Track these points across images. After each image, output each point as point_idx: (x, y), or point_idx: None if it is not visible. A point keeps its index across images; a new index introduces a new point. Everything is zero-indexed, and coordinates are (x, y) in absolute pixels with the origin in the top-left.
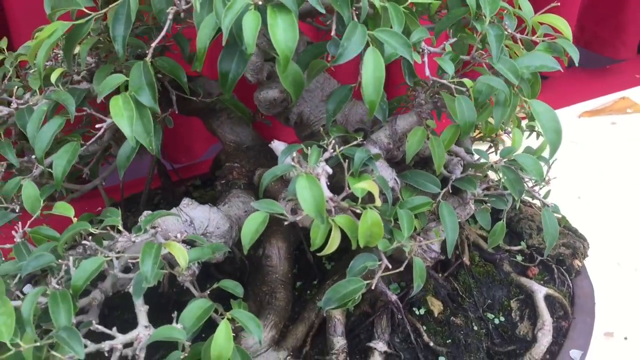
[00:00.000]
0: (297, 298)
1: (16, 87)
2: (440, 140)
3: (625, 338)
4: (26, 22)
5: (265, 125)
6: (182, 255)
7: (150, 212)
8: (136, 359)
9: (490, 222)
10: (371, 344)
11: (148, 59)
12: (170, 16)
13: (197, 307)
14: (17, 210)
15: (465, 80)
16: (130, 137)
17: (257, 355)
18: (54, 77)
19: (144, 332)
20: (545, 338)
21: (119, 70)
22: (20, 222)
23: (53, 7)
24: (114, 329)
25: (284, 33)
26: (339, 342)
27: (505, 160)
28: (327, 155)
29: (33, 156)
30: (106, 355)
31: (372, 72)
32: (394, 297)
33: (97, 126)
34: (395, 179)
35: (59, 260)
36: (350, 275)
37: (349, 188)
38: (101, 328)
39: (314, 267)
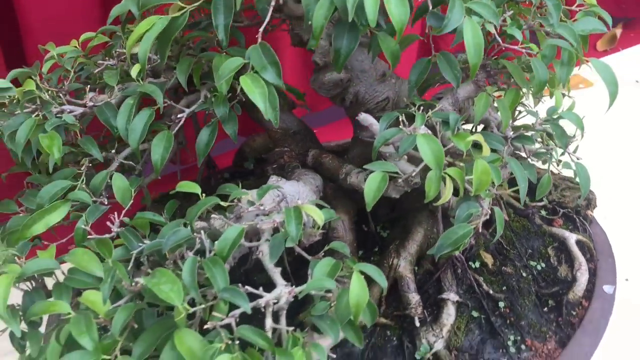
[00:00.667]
0: None
1: (88, 86)
2: (504, 102)
3: (627, 279)
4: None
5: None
6: (318, 216)
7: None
8: (280, 315)
9: (536, 175)
10: (443, 296)
11: (259, 39)
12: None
13: (325, 264)
14: (105, 203)
15: (532, 45)
16: (264, 111)
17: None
18: (134, 73)
19: (284, 290)
20: (583, 277)
21: (198, 61)
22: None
23: (143, 4)
24: (260, 288)
25: (397, 8)
26: (414, 297)
27: (552, 117)
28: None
29: (112, 151)
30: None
31: (472, 39)
32: (457, 252)
33: (179, 115)
34: None
35: (194, 234)
36: (458, 222)
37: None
38: (249, 289)
39: (375, 235)
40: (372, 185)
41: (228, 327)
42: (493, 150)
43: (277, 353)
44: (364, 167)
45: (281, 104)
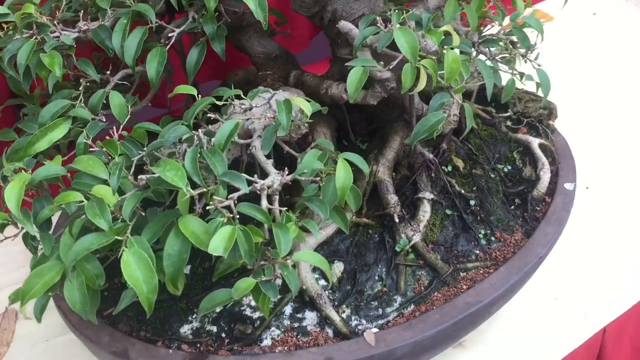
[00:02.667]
0: None
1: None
2: (472, 7)
3: (587, 187)
4: None
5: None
6: (306, 107)
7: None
8: (273, 201)
9: (500, 80)
10: (420, 195)
11: None
12: None
13: (312, 154)
14: (104, 121)
15: None
16: (255, 11)
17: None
18: None
19: (277, 176)
20: (545, 176)
21: None
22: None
23: None
24: (255, 176)
25: None
26: (393, 198)
27: (514, 22)
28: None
29: (107, 72)
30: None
31: None
32: (430, 156)
33: (169, 35)
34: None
35: (192, 132)
36: (431, 111)
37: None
38: (245, 176)
39: (354, 146)
40: (353, 78)
41: (228, 208)
42: (462, 53)
43: (274, 226)
44: (347, 64)
45: (262, 30)
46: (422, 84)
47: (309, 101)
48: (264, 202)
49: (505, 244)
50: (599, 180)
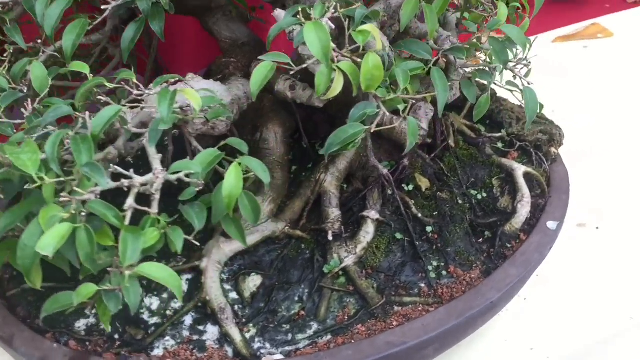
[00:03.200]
0: (292, 180)
1: None
2: (432, 7)
3: (597, 228)
4: None
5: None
6: (195, 100)
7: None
8: (152, 200)
9: (475, 95)
10: (364, 213)
11: None
12: None
13: (208, 154)
14: (24, 91)
15: None
16: None
17: (257, 224)
18: None
19: (158, 175)
20: (524, 209)
21: None
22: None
23: None
24: (131, 170)
25: None
26: (334, 212)
27: (491, 31)
28: (329, 15)
29: (39, 40)
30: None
31: None
32: (385, 171)
33: (102, 7)
34: (389, 47)
35: (76, 113)
36: (351, 121)
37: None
38: (119, 169)
39: (308, 151)
40: (258, 74)
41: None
42: (417, 60)
43: (124, 229)
44: (259, 57)
45: (233, 14)
46: (335, 89)
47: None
48: (129, 201)
49: (457, 280)
50: (610, 222)
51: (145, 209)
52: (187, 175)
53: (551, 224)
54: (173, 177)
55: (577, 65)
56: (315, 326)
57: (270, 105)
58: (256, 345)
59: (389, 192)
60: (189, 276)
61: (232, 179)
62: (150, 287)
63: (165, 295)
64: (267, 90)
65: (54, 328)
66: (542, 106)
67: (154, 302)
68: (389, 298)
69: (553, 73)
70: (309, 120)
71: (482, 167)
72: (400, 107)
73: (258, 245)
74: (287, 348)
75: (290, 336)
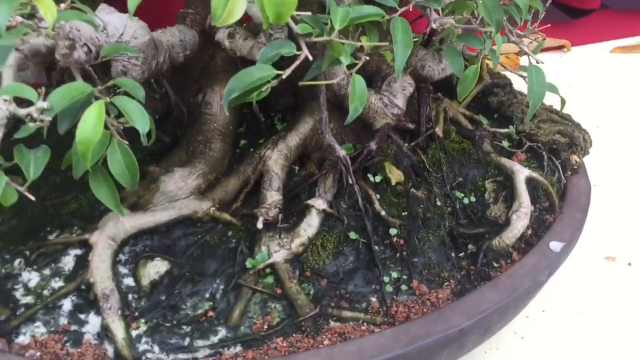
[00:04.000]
0: (238, 155)
1: None
2: None
3: (629, 264)
4: None
5: None
6: (49, 11)
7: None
8: None
9: (462, 67)
10: (309, 201)
11: None
12: None
13: (73, 87)
14: None
15: None
16: None
17: (175, 200)
18: None
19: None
20: (520, 222)
21: None
22: None
23: None
24: None
25: None
26: (273, 196)
27: None
28: None
29: None
30: None
31: None
32: (342, 152)
33: None
34: None
35: None
36: (261, 61)
37: None
38: None
39: (262, 125)
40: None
41: None
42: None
43: None
44: None
45: None
46: (232, 14)
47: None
48: None
49: (419, 299)
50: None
51: None
52: (42, 112)
53: (555, 245)
54: (22, 112)
55: (634, 78)
56: (223, 332)
57: (223, 64)
58: (142, 347)
59: (348, 181)
60: (78, 251)
61: (91, 120)
62: (30, 260)
63: (47, 272)
64: (222, 49)
65: None
66: (564, 102)
67: (33, 278)
68: (324, 309)
69: (606, 84)
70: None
71: (475, 166)
72: (344, 60)
73: (173, 225)
74: (180, 356)
75: (187, 341)
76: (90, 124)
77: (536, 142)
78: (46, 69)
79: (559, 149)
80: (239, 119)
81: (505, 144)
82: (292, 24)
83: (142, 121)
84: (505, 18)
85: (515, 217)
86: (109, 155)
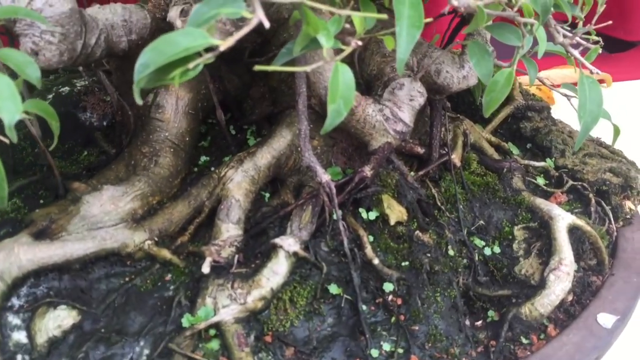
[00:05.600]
0: (195, 176)
1: None
2: None
3: None
4: None
5: None
6: None
7: None
8: None
9: (490, 71)
10: (276, 240)
11: None
12: None
13: None
14: None
15: None
16: None
17: (98, 228)
18: None
19: None
20: (559, 284)
21: None
22: None
23: None
24: None
25: None
26: (229, 230)
27: None
28: None
29: None
30: None
31: None
32: (325, 177)
33: None
34: None
35: None
36: (191, 24)
37: None
38: None
39: (229, 139)
40: None
41: None
42: None
43: None
44: None
45: None
46: None
47: None
48: None
49: None
50: None
51: None
52: None
53: (604, 319)
54: None
55: None
56: None
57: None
58: None
59: (332, 216)
60: None
61: None
62: None
63: None
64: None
65: None
66: (617, 130)
67: None
68: None
69: None
70: (245, 96)
71: (501, 206)
72: (325, 41)
73: (93, 262)
74: None
75: None
76: None
77: (581, 181)
78: None
79: (609, 191)
80: (199, 129)
81: (540, 181)
82: None
83: (9, 107)
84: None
85: (554, 278)
86: None
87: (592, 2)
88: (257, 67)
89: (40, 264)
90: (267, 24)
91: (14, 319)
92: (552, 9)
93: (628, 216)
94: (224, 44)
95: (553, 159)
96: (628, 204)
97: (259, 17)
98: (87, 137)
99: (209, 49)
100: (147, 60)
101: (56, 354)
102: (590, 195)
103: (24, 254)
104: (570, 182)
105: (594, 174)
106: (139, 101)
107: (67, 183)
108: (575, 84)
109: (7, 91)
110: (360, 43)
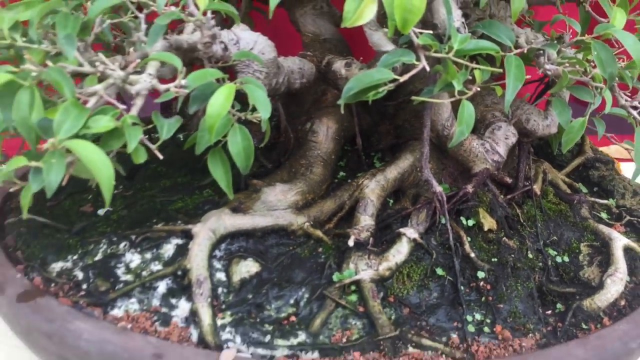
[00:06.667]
0: (336, 185)
1: None
2: None
3: None
4: None
5: None
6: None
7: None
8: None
9: (569, 118)
10: (401, 229)
11: None
12: None
13: (208, 72)
14: None
15: None
16: None
17: (273, 209)
18: None
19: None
20: (614, 286)
21: None
22: None
23: None
24: (117, 64)
25: None
26: (366, 220)
27: (599, 35)
28: None
29: None
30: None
31: None
32: (439, 189)
33: None
34: (462, 22)
35: None
36: (381, 65)
37: None
38: (102, 57)
39: (362, 161)
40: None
41: None
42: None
43: (71, 102)
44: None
45: (322, 10)
46: (362, 17)
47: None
48: (97, 87)
49: (501, 343)
50: None
51: (113, 102)
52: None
53: None
54: (162, 87)
55: None
56: (303, 337)
57: (333, 100)
58: (225, 336)
59: (442, 220)
60: (179, 241)
61: (221, 97)
62: (134, 244)
63: (148, 255)
64: (333, 84)
65: (30, 261)
66: None
67: (134, 259)
68: (404, 334)
69: None
70: (374, 131)
71: (570, 228)
72: (457, 84)
73: (268, 232)
74: (259, 350)
75: (268, 338)
76: (220, 101)
77: (637, 217)
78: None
79: None
80: (341, 152)
81: (603, 215)
82: (414, 36)
83: (265, 108)
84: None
85: (610, 281)
86: (230, 136)
87: None
88: (415, 98)
89: (237, 228)
90: (428, 69)
91: (216, 264)
92: (616, 78)
93: None
94: (402, 78)
95: (615, 199)
96: None
97: (423, 64)
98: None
99: (392, 81)
100: (352, 85)
101: (244, 290)
102: None
103: (227, 220)
104: (628, 217)
105: None
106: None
107: (248, 180)
108: (629, 159)
109: (263, 98)
110: (479, 89)
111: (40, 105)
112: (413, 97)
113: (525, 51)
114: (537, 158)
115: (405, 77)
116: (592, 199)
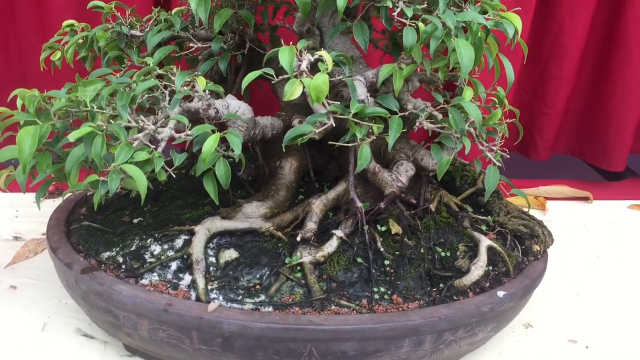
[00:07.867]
0: (296, 204)
1: None
2: (401, 72)
3: (587, 347)
4: None
5: None
6: (202, 83)
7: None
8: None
9: (442, 157)
10: (333, 230)
11: None
12: None
13: (205, 127)
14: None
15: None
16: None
17: (250, 218)
18: None
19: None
20: (476, 271)
21: None
22: None
23: None
24: (150, 121)
25: None
26: (311, 225)
27: (453, 104)
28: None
29: None
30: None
31: None
32: (359, 204)
33: (190, 45)
34: (367, 96)
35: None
36: (307, 122)
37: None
38: (142, 117)
39: (315, 188)
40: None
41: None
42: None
43: (124, 143)
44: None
45: None
46: (294, 93)
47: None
48: (139, 135)
49: (395, 306)
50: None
51: (148, 144)
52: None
53: (500, 293)
54: (177, 135)
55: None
56: (262, 298)
57: (296, 146)
58: (212, 296)
59: (364, 227)
60: (186, 237)
61: (211, 141)
62: (157, 239)
63: (165, 246)
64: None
65: (87, 251)
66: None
67: (156, 249)
68: (330, 297)
69: (618, 230)
70: (325, 168)
71: (454, 234)
72: (358, 134)
73: (245, 233)
74: (234, 305)
75: (240, 298)
76: (210, 144)
77: (505, 228)
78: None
79: (522, 237)
80: (302, 182)
81: (483, 227)
82: (325, 105)
83: (238, 148)
84: (480, 133)
85: (474, 268)
86: (217, 165)
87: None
88: (331, 142)
89: (224, 229)
90: (333, 125)
91: (210, 252)
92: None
93: (537, 256)
94: (318, 130)
95: (492, 217)
96: (535, 247)
97: (331, 122)
98: (240, 184)
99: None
100: (289, 135)
101: (227, 268)
102: (508, 234)
103: (218, 223)
104: (499, 229)
105: (512, 225)
106: (293, 174)
107: (234, 199)
108: (568, 198)
109: (238, 143)
110: (374, 137)
111: (106, 145)
112: (329, 142)
113: (407, 114)
114: (437, 187)
115: (321, 129)
116: (475, 215)
